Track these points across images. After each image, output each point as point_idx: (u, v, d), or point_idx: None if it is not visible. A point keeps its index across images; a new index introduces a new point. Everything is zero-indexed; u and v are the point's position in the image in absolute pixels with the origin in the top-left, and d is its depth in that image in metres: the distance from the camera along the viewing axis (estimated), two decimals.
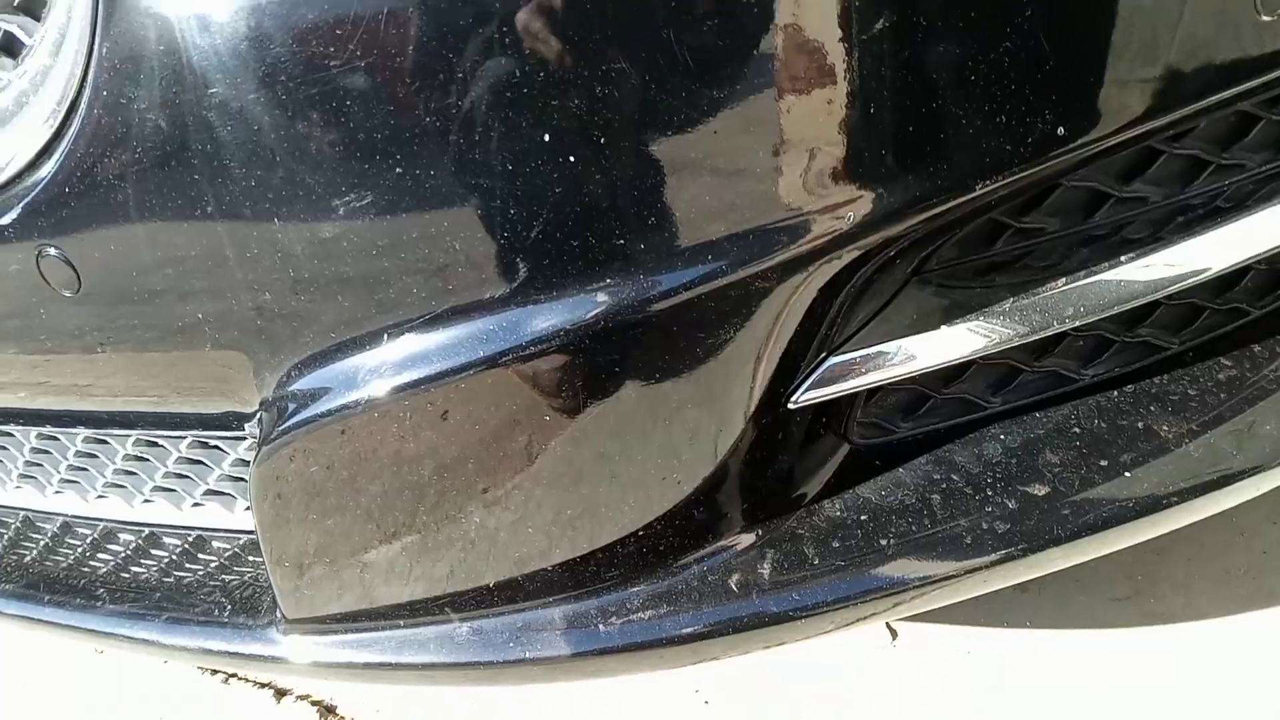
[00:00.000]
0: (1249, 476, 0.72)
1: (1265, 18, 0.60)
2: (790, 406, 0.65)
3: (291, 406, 0.64)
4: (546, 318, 0.58)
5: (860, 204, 0.57)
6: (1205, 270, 0.71)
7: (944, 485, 0.72)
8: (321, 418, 0.64)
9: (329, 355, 0.62)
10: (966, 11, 0.54)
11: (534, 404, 0.62)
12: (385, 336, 0.60)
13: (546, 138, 0.51)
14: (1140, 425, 0.74)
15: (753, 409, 0.63)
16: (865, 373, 0.66)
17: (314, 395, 0.63)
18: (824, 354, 0.65)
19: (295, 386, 0.63)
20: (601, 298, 0.57)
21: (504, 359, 0.57)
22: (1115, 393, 0.77)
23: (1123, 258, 0.68)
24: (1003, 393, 0.76)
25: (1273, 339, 0.79)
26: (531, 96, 0.51)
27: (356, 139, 0.53)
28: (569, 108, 0.50)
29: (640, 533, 0.71)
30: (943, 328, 0.67)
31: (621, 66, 0.50)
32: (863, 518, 0.72)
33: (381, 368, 0.60)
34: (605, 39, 0.51)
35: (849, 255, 0.58)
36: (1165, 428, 0.74)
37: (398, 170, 0.54)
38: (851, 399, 0.73)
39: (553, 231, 0.55)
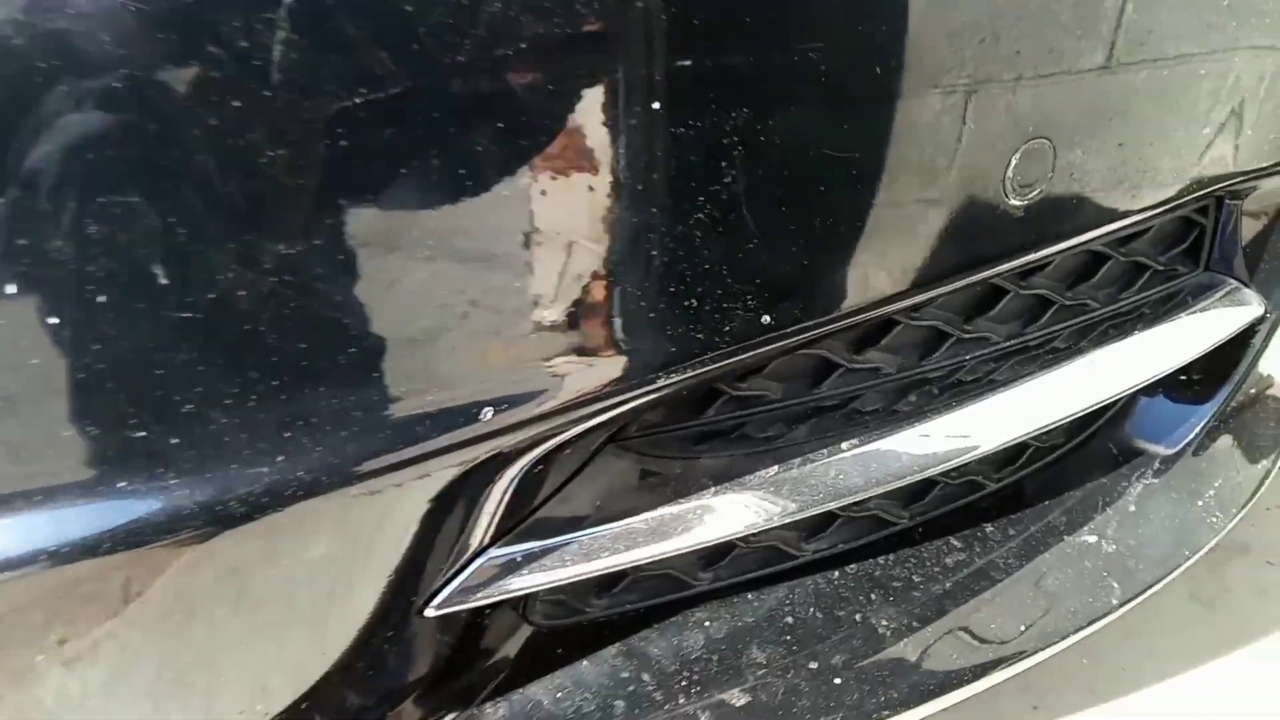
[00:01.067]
0: (967, 683, 0.65)
1: (1015, 202, 0.52)
2: (429, 614, 0.51)
3: None
4: (92, 518, 0.41)
5: (509, 398, 0.44)
6: (938, 457, 0.63)
7: (632, 687, 0.61)
8: None
9: None
10: (681, 202, 0.42)
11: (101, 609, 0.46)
12: None
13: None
14: (858, 618, 0.66)
15: (378, 612, 0.49)
16: (529, 573, 0.53)
17: None
18: (481, 547, 0.52)
19: None
20: (152, 500, 0.41)
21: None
22: (837, 574, 0.68)
23: (844, 445, 0.59)
24: (714, 568, 0.66)
25: (1005, 518, 0.73)
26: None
27: None
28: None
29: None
30: (631, 519, 0.55)
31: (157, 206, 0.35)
32: None
33: None
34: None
35: (492, 449, 0.46)
36: (884, 622, 0.66)
37: None
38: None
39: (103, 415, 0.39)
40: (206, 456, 0.39)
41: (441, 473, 0.45)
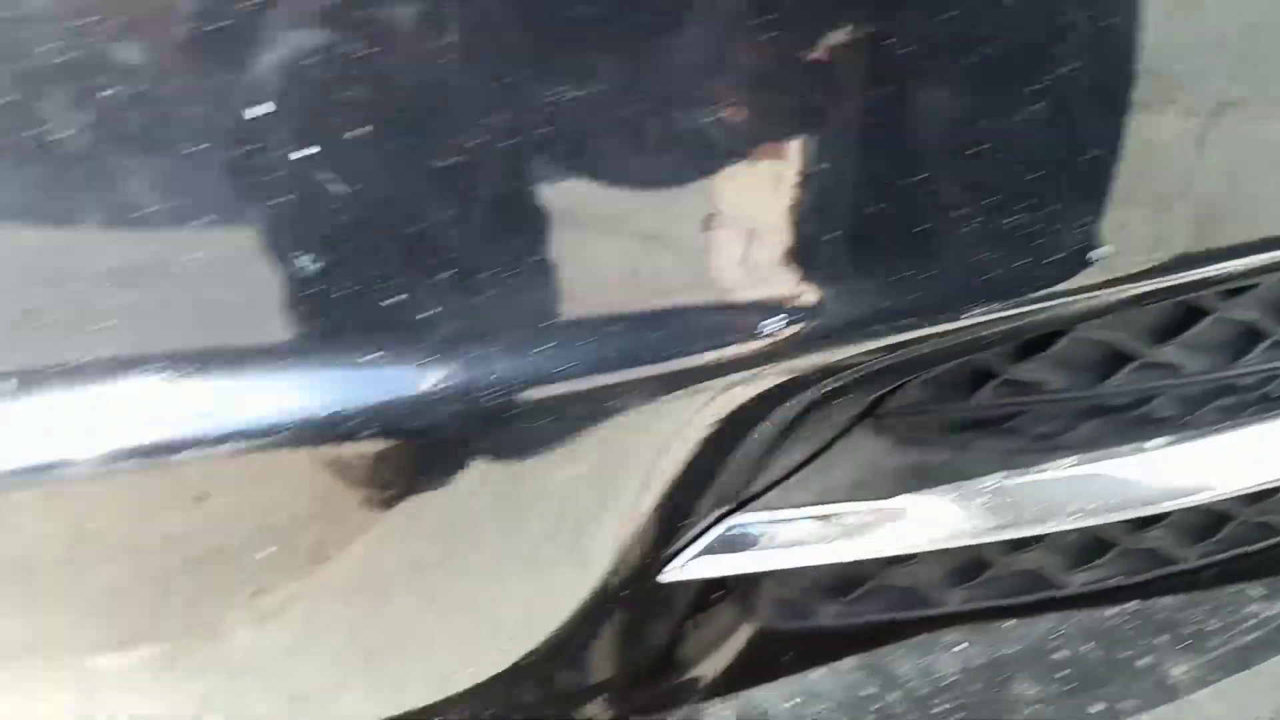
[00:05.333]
0: None
1: None
2: (663, 580, 0.46)
3: None
4: (334, 391, 0.40)
5: (800, 309, 0.40)
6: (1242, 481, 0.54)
7: (877, 705, 0.53)
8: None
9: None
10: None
11: (322, 500, 0.44)
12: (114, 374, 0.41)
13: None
14: (1145, 662, 0.56)
15: (613, 571, 0.45)
16: (777, 546, 0.48)
17: None
18: (726, 510, 0.47)
19: None
20: (414, 377, 0.39)
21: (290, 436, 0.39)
22: (1112, 611, 0.59)
23: (1130, 449, 0.51)
24: (966, 587, 0.58)
25: None
26: None
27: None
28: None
29: (461, 696, 0.51)
30: (895, 499, 0.49)
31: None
32: None
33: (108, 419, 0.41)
34: None
35: (772, 379, 0.41)
36: (1178, 670, 0.55)
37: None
38: None
39: (359, 278, 0.38)
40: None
41: (710, 399, 0.41)
